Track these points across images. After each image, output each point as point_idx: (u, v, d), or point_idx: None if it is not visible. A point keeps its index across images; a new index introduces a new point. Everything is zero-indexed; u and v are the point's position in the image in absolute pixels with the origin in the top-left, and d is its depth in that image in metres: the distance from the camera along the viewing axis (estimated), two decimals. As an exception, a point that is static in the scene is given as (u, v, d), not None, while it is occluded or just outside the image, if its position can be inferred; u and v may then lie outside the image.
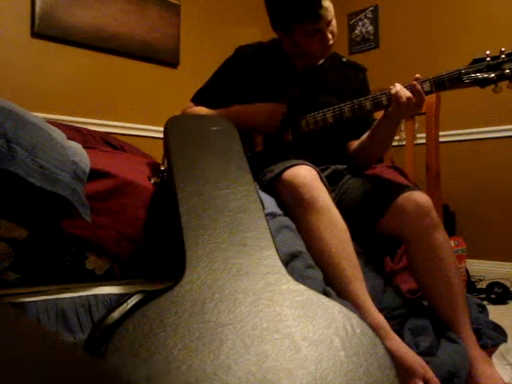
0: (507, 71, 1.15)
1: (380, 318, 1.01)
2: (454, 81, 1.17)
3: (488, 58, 1.17)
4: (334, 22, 1.30)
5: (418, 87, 1.17)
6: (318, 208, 1.09)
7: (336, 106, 1.31)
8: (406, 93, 1.16)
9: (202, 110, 1.44)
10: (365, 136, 1.36)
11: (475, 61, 1.19)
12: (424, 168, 1.84)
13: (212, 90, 1.48)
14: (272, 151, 1.37)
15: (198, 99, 1.49)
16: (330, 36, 1.29)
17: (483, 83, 1.17)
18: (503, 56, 1.16)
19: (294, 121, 1.35)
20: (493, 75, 1.16)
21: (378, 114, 1.32)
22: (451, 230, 2.50)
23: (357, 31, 3.41)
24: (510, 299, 1.96)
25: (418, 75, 1.20)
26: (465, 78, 1.18)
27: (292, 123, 1.35)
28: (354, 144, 1.43)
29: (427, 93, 1.21)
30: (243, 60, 1.45)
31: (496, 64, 1.16)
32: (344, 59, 1.50)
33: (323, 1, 1.23)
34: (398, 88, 1.18)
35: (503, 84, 1.17)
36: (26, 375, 0.23)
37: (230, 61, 1.48)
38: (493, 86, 1.18)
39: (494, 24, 2.69)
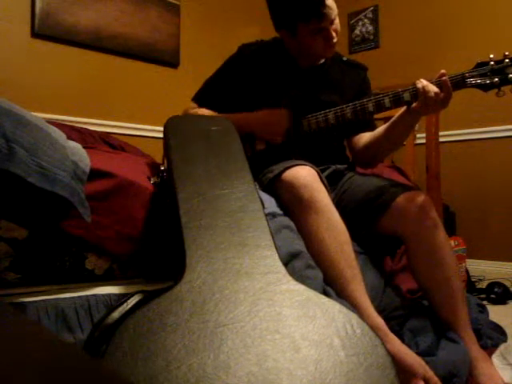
0: (510, 76, 1.15)
1: (378, 320, 1.01)
2: (457, 84, 1.17)
3: (492, 62, 1.17)
4: (337, 21, 1.30)
5: (448, 82, 1.15)
6: (318, 209, 1.09)
7: (338, 108, 1.31)
8: (433, 88, 1.15)
9: (205, 113, 1.43)
10: (379, 131, 1.34)
11: (479, 65, 1.18)
12: (424, 168, 1.84)
13: (214, 88, 1.48)
14: (272, 151, 1.37)
15: (199, 98, 1.49)
16: (333, 34, 1.30)
17: (486, 87, 1.17)
18: (507, 60, 1.16)
19: (295, 121, 1.35)
20: (496, 79, 1.16)
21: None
22: (451, 230, 2.50)
23: (357, 31, 3.41)
24: (510, 299, 1.95)
25: (443, 71, 1.17)
26: (468, 81, 1.18)
27: (294, 123, 1.35)
28: (363, 139, 1.40)
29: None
30: (246, 58, 1.45)
31: (500, 68, 1.16)
32: (345, 58, 1.50)
33: None
34: (425, 83, 1.16)
35: (506, 88, 1.17)
36: (26, 375, 0.23)
37: (233, 59, 1.48)
38: (495, 89, 1.18)
39: (495, 24, 2.69)
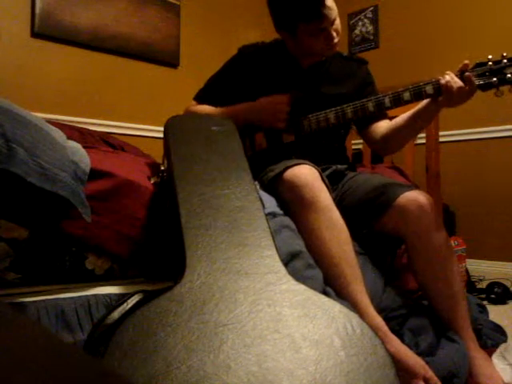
0: (509, 76, 1.15)
1: (378, 320, 1.01)
2: None
3: (490, 63, 1.18)
4: (337, 21, 1.30)
5: (471, 77, 1.14)
6: (319, 208, 1.09)
7: (339, 107, 1.31)
8: (456, 83, 1.15)
9: (206, 109, 1.44)
10: (399, 120, 1.33)
11: (477, 65, 1.19)
12: (424, 168, 1.84)
13: (215, 88, 1.48)
14: (273, 151, 1.37)
15: (201, 97, 1.49)
16: (334, 34, 1.30)
17: (485, 87, 1.18)
18: (505, 61, 1.17)
19: (296, 121, 1.35)
20: (494, 79, 1.16)
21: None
22: (451, 230, 2.50)
23: (357, 31, 3.41)
24: (510, 299, 1.95)
25: (466, 61, 1.17)
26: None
27: (294, 123, 1.35)
28: (380, 129, 1.40)
29: (429, 96, 1.21)
30: (247, 59, 1.45)
31: (498, 68, 1.17)
32: (344, 54, 1.51)
33: (327, 0, 1.23)
34: (448, 78, 1.16)
35: (504, 88, 1.17)
36: (26, 375, 0.23)
37: (234, 60, 1.48)
38: (494, 90, 1.18)
39: (495, 24, 2.69)
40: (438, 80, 1.18)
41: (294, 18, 1.28)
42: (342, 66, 1.47)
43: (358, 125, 1.48)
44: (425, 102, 1.24)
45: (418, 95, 1.23)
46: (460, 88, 1.14)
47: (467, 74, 1.15)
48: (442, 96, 1.18)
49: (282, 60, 1.44)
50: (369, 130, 1.43)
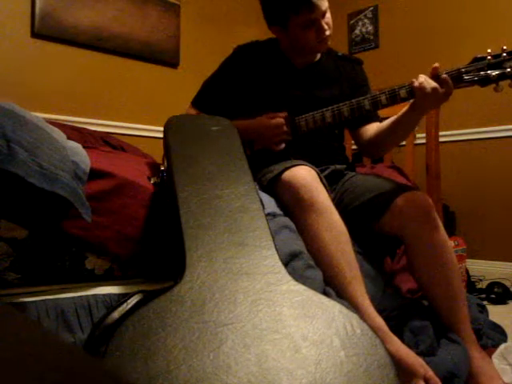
0: (508, 70, 1.13)
1: (379, 320, 1.01)
2: (454, 80, 1.15)
3: (489, 57, 1.15)
4: (328, 14, 1.30)
5: (448, 79, 1.13)
6: (317, 209, 1.09)
7: (335, 106, 1.30)
8: (430, 84, 1.13)
9: None
10: (384, 125, 1.34)
11: (476, 59, 1.17)
12: (424, 168, 1.84)
13: (212, 91, 1.48)
14: (272, 151, 1.36)
15: (198, 102, 1.49)
16: (325, 27, 1.30)
17: (484, 82, 1.15)
18: (504, 54, 1.14)
19: (293, 121, 1.35)
20: (494, 74, 1.14)
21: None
22: (451, 230, 2.50)
23: (357, 31, 3.41)
24: (510, 299, 1.96)
25: (436, 65, 1.15)
26: (465, 76, 1.16)
27: (291, 123, 1.35)
28: (369, 131, 1.40)
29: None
30: (242, 59, 1.45)
31: (497, 62, 1.14)
32: (340, 53, 1.50)
33: None
34: (422, 79, 1.14)
35: (504, 83, 1.15)
36: (26, 375, 0.23)
37: (229, 61, 1.48)
38: (493, 85, 1.16)
39: (495, 23, 2.69)
40: (412, 83, 1.17)
41: (285, 10, 1.28)
42: (336, 67, 1.46)
43: (349, 126, 1.48)
44: (404, 108, 1.24)
45: (392, 99, 1.22)
46: (434, 89, 1.13)
47: (444, 75, 1.14)
48: (416, 98, 1.16)
49: (275, 60, 1.43)
50: (359, 132, 1.44)
